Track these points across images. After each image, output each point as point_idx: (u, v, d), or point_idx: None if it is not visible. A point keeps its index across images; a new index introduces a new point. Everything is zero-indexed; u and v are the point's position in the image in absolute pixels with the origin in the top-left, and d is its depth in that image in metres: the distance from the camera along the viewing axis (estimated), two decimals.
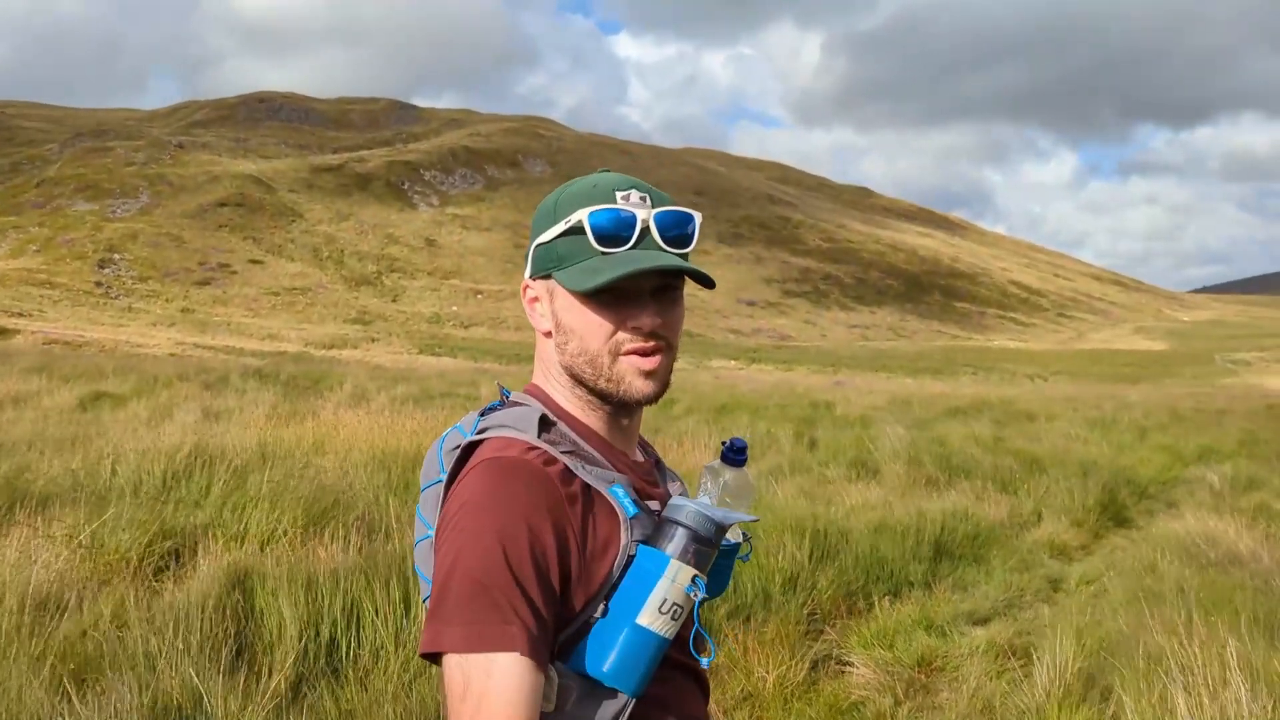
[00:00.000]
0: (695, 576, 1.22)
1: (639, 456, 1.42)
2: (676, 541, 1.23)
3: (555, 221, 1.32)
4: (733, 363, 58.19)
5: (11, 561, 3.97)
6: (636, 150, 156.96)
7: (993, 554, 7.23)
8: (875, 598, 5.57)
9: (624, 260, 1.26)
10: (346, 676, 3.52)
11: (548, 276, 1.33)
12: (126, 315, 60.95)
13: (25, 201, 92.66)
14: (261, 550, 4.74)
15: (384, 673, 3.55)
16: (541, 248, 1.34)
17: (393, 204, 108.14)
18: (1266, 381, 52.46)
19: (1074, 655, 3.88)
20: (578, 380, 1.34)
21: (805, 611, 5.09)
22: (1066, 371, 64.13)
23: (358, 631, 3.76)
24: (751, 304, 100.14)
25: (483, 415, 1.33)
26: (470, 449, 1.27)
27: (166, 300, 71.00)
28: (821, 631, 5.03)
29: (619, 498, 1.25)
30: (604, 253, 1.27)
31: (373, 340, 58.01)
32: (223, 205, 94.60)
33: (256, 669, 3.48)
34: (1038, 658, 3.97)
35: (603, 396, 1.33)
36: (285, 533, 4.94)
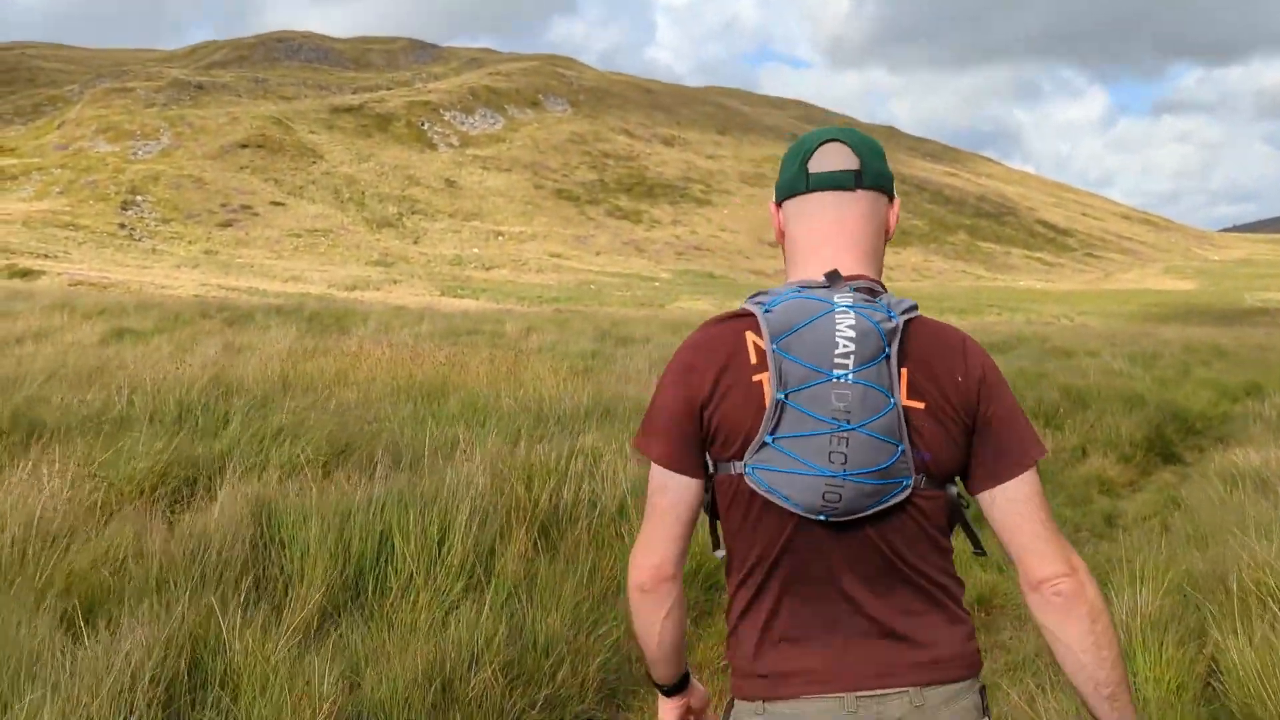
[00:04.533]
0: None
1: None
2: None
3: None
4: None
5: (17, 491, 3.73)
6: (658, 89, 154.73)
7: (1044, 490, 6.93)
8: None
9: None
10: (373, 612, 3.28)
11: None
12: (151, 257, 61.00)
13: (48, 143, 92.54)
14: (283, 481, 4.50)
15: (414, 607, 3.31)
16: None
17: (413, 145, 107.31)
18: None
19: (1155, 592, 3.58)
20: None
21: None
22: (1094, 312, 63.11)
23: (386, 565, 3.52)
24: (775, 245, 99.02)
25: (869, 300, 1.49)
26: (907, 324, 1.49)
27: (189, 242, 70.95)
28: None
29: None
30: None
31: (395, 282, 57.79)
32: (243, 146, 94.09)
33: (278, 604, 3.24)
34: (1113, 594, 3.68)
35: None
36: (307, 463, 4.69)
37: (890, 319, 1.44)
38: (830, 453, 1.41)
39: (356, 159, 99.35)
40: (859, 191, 1.58)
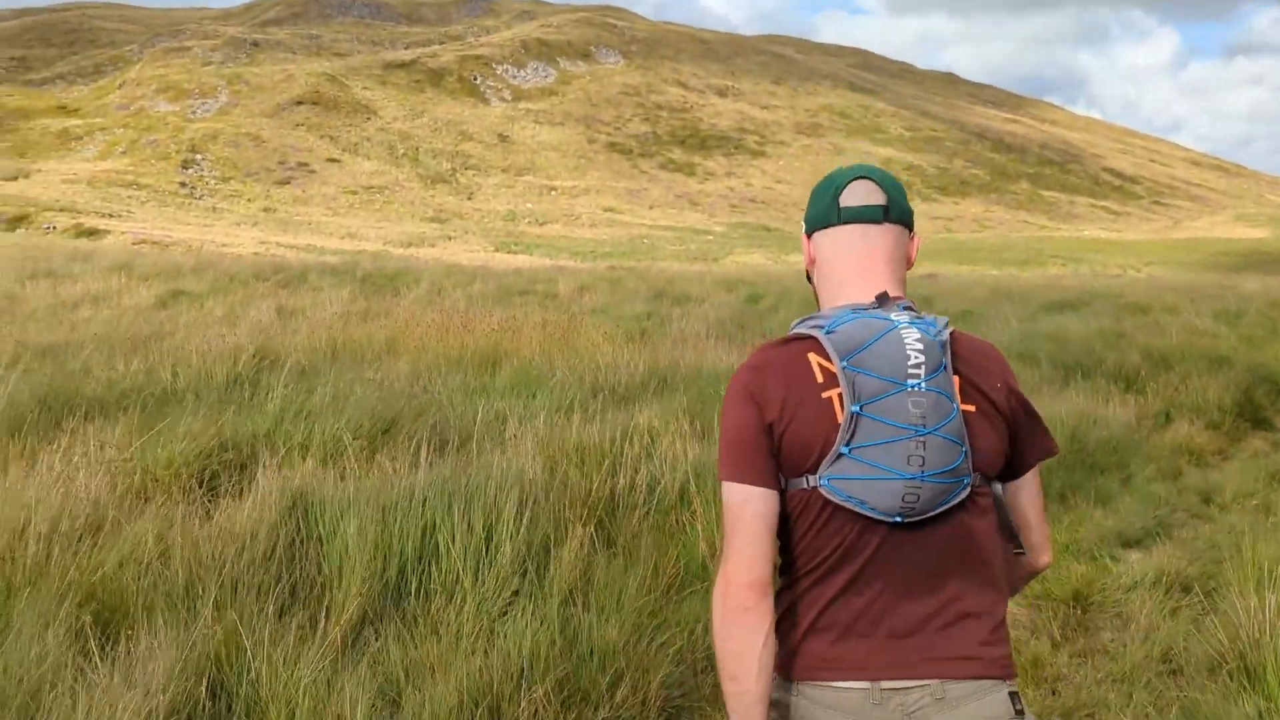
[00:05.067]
0: None
1: None
2: None
3: None
4: None
5: (45, 481, 3.52)
6: (712, 39, 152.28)
7: (1130, 462, 6.51)
8: None
9: None
10: (416, 618, 3.02)
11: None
12: (211, 215, 61.73)
13: (110, 103, 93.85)
14: (325, 463, 4.27)
15: (459, 613, 3.04)
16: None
17: (465, 99, 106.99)
18: None
19: None
20: None
21: None
22: (1161, 261, 61.14)
23: (430, 565, 3.25)
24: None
25: (919, 316, 1.62)
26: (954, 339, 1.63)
27: (248, 200, 71.77)
28: None
29: None
30: None
31: (450, 238, 57.84)
32: (299, 104, 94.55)
33: (312, 611, 3.00)
34: (1235, 597, 3.30)
35: None
36: (351, 443, 4.44)
37: (941, 333, 1.59)
38: (910, 456, 1.52)
39: (410, 115, 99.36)
40: (886, 225, 1.71)
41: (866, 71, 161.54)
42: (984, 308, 14.93)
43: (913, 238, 1.76)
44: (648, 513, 3.94)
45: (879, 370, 1.52)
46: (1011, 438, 1.64)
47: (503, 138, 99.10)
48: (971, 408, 1.58)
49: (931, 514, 1.54)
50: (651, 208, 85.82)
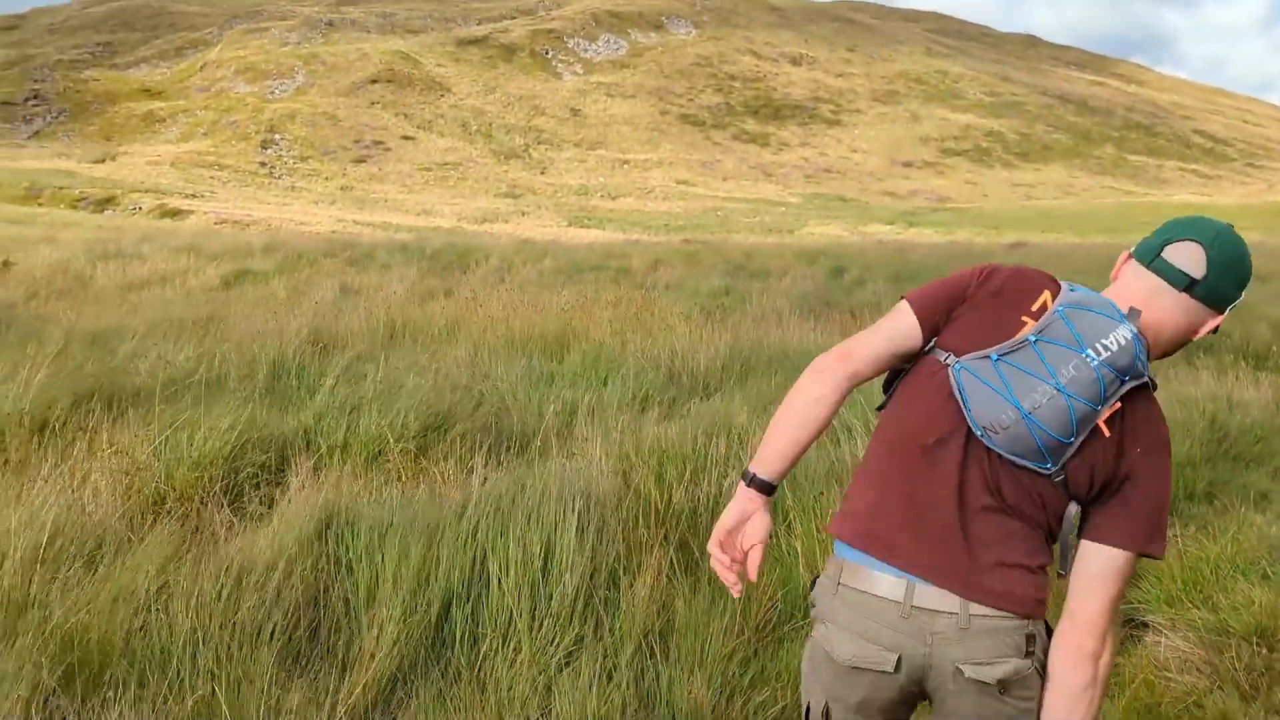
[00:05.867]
0: None
1: None
2: None
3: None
4: (888, 227, 54.99)
5: (43, 495, 3.05)
6: (784, 6, 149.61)
7: (1279, 452, 5.72)
8: None
9: None
10: (460, 672, 2.48)
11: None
12: (290, 194, 62.61)
13: (191, 85, 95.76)
14: (368, 465, 3.77)
15: (511, 665, 2.49)
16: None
17: (538, 74, 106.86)
18: None
19: None
20: None
21: None
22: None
23: (480, 603, 2.71)
24: (908, 165, 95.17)
25: (1145, 348, 1.64)
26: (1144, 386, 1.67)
27: (326, 179, 72.65)
28: None
29: None
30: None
31: (523, 214, 57.72)
32: (374, 82, 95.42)
33: (339, 661, 2.48)
34: None
35: None
36: (394, 445, 3.93)
37: (1144, 371, 1.63)
38: (1032, 394, 1.59)
39: (483, 91, 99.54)
40: (1184, 295, 1.68)
41: (944, 36, 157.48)
42: (1087, 279, 13.94)
43: (1215, 315, 1.71)
44: None
45: (1076, 327, 1.60)
46: (1104, 491, 1.63)
47: (575, 112, 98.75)
48: (1107, 433, 1.62)
49: (1008, 459, 1.60)
50: (725, 179, 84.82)
